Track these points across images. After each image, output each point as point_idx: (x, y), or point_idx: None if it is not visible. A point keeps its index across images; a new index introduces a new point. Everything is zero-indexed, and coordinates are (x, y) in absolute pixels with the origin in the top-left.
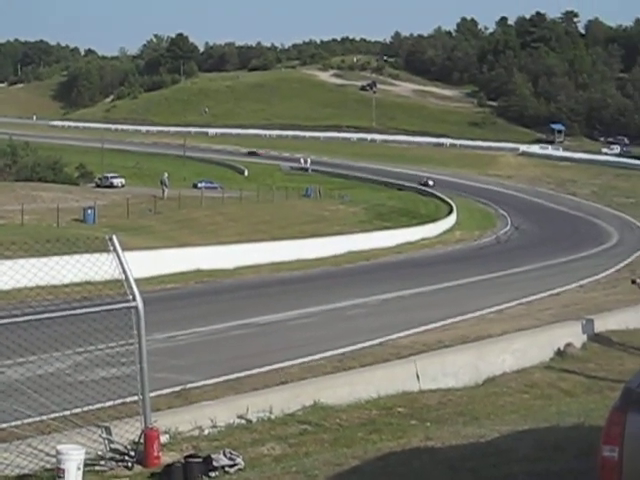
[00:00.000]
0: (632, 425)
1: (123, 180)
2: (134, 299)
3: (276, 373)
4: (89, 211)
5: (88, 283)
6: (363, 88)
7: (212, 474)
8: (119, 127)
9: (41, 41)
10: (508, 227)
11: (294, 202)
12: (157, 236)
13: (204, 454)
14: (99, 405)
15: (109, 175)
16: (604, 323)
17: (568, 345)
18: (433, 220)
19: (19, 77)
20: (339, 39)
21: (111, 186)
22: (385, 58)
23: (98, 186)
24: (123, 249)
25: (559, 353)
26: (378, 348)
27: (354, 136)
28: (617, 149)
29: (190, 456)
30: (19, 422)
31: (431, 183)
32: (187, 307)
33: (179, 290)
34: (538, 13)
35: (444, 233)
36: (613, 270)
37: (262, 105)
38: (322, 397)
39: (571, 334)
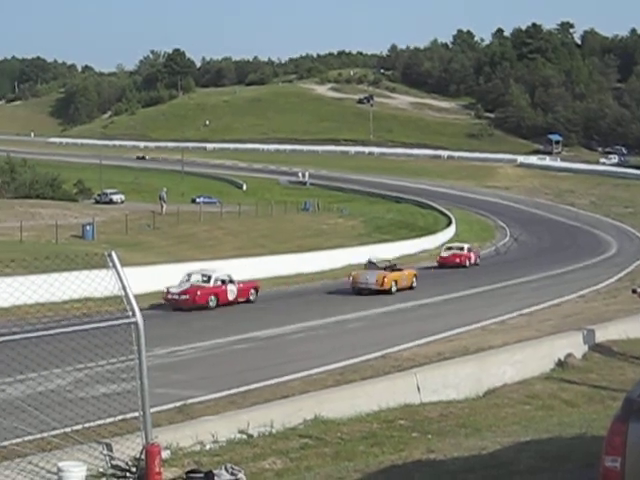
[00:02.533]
0: (634, 435)
1: (122, 196)
2: (134, 315)
3: (277, 387)
4: (88, 227)
5: (88, 299)
6: (360, 101)
7: None
8: (117, 143)
9: (38, 58)
10: (507, 238)
11: (293, 216)
12: (156, 251)
13: (206, 469)
14: (100, 421)
15: (108, 191)
16: (605, 333)
17: (569, 355)
18: (432, 232)
19: (17, 94)
20: (336, 53)
21: (110, 202)
22: (382, 71)
23: (97, 202)
24: (122, 265)
25: (560, 364)
26: (379, 361)
27: (352, 149)
28: (615, 159)
29: (192, 471)
30: (20, 439)
31: (306, 179)
32: (187, 322)
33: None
34: (534, 24)
35: (443, 245)
36: (613, 280)
37: (260, 119)
38: (323, 411)
39: (572, 344)
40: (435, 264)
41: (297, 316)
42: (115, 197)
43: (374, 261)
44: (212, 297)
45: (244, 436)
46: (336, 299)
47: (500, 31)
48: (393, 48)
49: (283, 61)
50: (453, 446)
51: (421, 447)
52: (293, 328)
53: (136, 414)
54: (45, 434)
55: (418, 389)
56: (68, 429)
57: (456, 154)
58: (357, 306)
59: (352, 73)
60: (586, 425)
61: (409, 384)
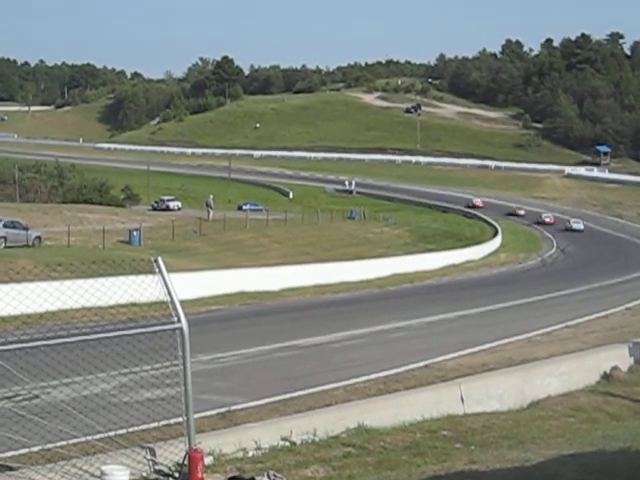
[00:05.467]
0: None
1: (179, 203)
2: (179, 320)
3: (320, 395)
4: (135, 233)
5: (133, 304)
6: (408, 110)
7: None
8: (165, 149)
9: (88, 64)
10: (554, 250)
11: (339, 224)
12: (202, 258)
13: (248, 476)
14: (144, 426)
15: (165, 198)
16: None
17: (614, 368)
18: (478, 242)
19: (66, 100)
20: (384, 62)
21: (167, 209)
22: (430, 80)
23: (154, 209)
24: (168, 271)
25: (605, 376)
26: (423, 371)
27: (399, 158)
28: None
29: (234, 478)
30: (64, 442)
31: (522, 212)
32: (232, 329)
33: (224, 312)
34: (583, 35)
35: (489, 256)
36: None
37: (307, 128)
38: (366, 420)
39: (618, 357)
40: None
41: (341, 325)
42: (172, 204)
43: None
44: None
45: (287, 443)
46: (380, 308)
47: (549, 41)
48: (441, 57)
49: (331, 69)
50: (496, 458)
51: (464, 458)
52: (336, 337)
53: (180, 419)
54: (89, 437)
55: (462, 400)
56: (112, 433)
57: (503, 164)
58: (400, 315)
59: (400, 82)
60: (631, 439)
61: (453, 394)
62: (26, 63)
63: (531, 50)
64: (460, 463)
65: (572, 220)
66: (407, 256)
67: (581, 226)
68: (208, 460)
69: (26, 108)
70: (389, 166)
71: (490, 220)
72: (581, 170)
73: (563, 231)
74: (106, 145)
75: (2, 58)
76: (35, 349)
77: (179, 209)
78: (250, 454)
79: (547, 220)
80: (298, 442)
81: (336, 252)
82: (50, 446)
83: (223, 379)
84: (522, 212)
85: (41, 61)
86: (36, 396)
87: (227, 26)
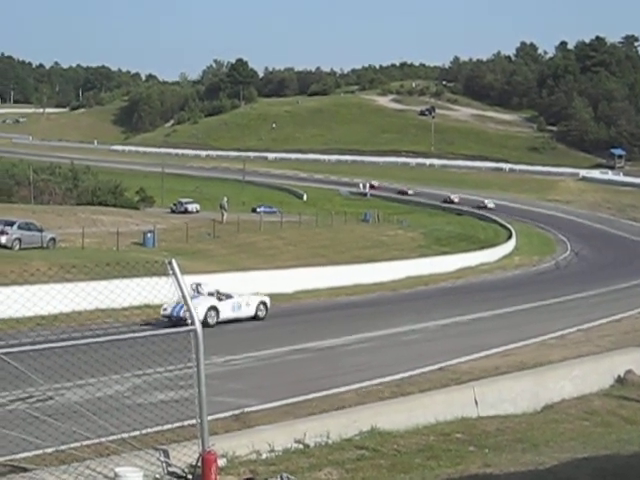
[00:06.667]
0: None
1: (198, 206)
2: (193, 323)
3: (333, 398)
4: (149, 235)
5: (147, 306)
6: (422, 113)
7: None
8: (179, 152)
9: (103, 66)
10: (568, 252)
11: (353, 227)
12: (216, 260)
13: (261, 478)
14: (157, 428)
15: (184, 200)
16: None
17: (628, 372)
18: (492, 245)
19: (81, 102)
20: (398, 64)
21: (186, 212)
22: (444, 83)
23: (173, 212)
24: (182, 273)
25: (619, 380)
26: (437, 373)
27: (413, 161)
28: None
29: None
30: (78, 444)
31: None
32: (245, 331)
33: None
34: (598, 37)
35: (503, 258)
36: None
37: (321, 130)
38: (379, 422)
39: (632, 361)
40: None
41: (354, 327)
42: (190, 207)
43: None
44: None
45: (300, 446)
46: (394, 311)
47: (564, 44)
48: (455, 60)
49: (345, 72)
50: (510, 461)
51: (478, 461)
52: (350, 339)
53: (193, 421)
54: (103, 439)
55: (476, 403)
56: (125, 435)
57: (518, 167)
58: (414, 318)
59: (414, 85)
60: None
61: (467, 397)
62: (41, 65)
63: (545, 53)
64: (474, 466)
65: (486, 201)
66: (421, 259)
67: (492, 205)
68: (221, 462)
69: (41, 110)
70: (403, 168)
71: (504, 223)
72: (595, 173)
73: (476, 208)
74: (120, 147)
75: (17, 60)
76: (49, 350)
77: (197, 211)
78: (263, 456)
79: (455, 200)
80: (311, 445)
81: (350, 255)
82: (64, 447)
83: (237, 381)
84: (379, 186)
85: (56, 63)
86: (50, 397)
87: (242, 28)
